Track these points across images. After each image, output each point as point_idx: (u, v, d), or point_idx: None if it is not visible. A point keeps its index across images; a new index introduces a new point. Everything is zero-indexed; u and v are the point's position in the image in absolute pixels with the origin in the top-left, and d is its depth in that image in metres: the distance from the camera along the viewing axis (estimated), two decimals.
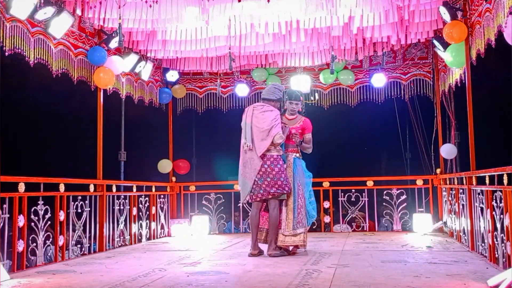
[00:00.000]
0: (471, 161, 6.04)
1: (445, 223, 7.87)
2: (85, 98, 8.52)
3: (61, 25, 6.03)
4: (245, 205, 8.49)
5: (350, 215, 8.59)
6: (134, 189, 7.71)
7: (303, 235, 5.86)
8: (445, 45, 6.80)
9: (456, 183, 6.79)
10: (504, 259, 4.63)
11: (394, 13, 6.58)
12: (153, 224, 8.13)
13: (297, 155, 6.03)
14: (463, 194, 6.29)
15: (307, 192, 6.06)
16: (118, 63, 7.25)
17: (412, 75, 8.68)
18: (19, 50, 5.62)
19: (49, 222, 5.77)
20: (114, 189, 7.15)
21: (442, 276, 4.35)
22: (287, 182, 5.78)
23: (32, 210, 5.55)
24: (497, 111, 9.34)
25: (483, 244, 5.38)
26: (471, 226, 5.86)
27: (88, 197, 6.55)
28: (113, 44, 6.95)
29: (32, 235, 5.52)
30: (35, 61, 5.94)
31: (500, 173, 4.63)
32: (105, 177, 6.98)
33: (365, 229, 8.57)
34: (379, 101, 8.82)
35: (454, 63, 6.68)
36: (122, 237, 7.35)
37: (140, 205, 7.83)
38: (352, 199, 8.52)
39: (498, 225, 4.77)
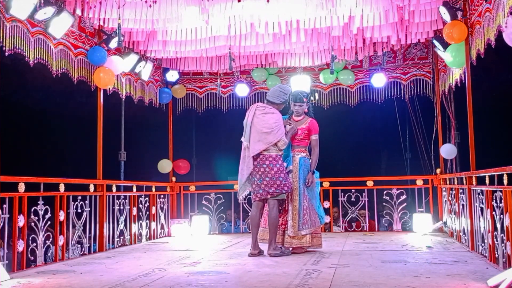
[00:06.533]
0: (471, 161, 6.04)
1: (445, 223, 7.87)
2: (85, 98, 8.52)
3: (61, 25, 6.03)
4: (245, 205, 8.50)
5: (350, 215, 8.60)
6: (134, 189, 7.71)
7: (308, 236, 5.88)
8: (445, 45, 6.80)
9: (456, 183, 6.79)
10: (504, 259, 4.63)
11: (394, 13, 6.58)
12: (153, 224, 8.12)
13: (304, 155, 6.03)
14: (463, 194, 6.29)
15: (317, 192, 6.12)
16: (118, 63, 7.25)
17: (412, 75, 8.68)
18: (19, 50, 5.61)
19: (49, 222, 5.77)
20: (114, 189, 7.14)
21: (442, 276, 4.35)
22: (286, 182, 5.78)
23: (32, 210, 5.54)
24: (497, 111, 9.34)
25: (483, 244, 5.38)
26: (471, 226, 5.86)
27: (88, 197, 6.55)
28: (113, 44, 6.95)
29: (32, 235, 5.52)
30: (35, 61, 5.94)
31: (500, 173, 4.63)
32: (105, 177, 6.97)
33: (365, 229, 8.57)
34: (379, 101, 8.82)
35: (454, 63, 6.68)
36: (122, 237, 7.35)
37: (140, 205, 7.83)
38: (352, 199, 8.52)
39: (498, 225, 4.77)
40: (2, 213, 4.96)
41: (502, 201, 4.62)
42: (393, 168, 10.59)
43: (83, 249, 6.41)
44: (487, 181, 5.12)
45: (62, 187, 6.01)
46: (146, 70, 8.10)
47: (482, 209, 5.34)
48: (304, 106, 6.08)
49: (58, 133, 10.98)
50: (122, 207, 7.33)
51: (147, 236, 7.96)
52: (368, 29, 7.02)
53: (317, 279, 4.34)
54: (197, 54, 7.97)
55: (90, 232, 6.55)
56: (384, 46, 7.94)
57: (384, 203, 8.60)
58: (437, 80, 8.42)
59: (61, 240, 5.92)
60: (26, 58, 5.80)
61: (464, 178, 6.11)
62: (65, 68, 6.46)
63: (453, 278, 4.22)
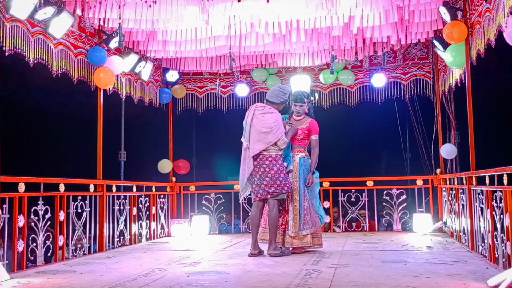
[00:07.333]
0: (471, 161, 6.04)
1: (445, 223, 7.87)
2: (85, 98, 8.54)
3: (61, 25, 6.03)
4: (245, 205, 8.50)
5: (350, 215, 8.60)
6: (134, 189, 7.71)
7: (309, 236, 5.88)
8: (445, 45, 6.80)
9: (456, 183, 6.79)
10: (504, 259, 4.63)
11: (394, 13, 6.58)
12: (153, 224, 8.12)
13: (303, 155, 6.03)
14: (463, 194, 6.29)
15: (317, 192, 6.12)
16: (118, 63, 7.25)
17: (412, 75, 8.68)
18: (19, 50, 5.61)
19: (49, 222, 5.77)
20: (114, 189, 7.14)
21: (442, 276, 4.35)
22: (286, 182, 5.78)
23: (32, 210, 5.54)
24: (497, 111, 9.35)
25: (483, 244, 5.38)
26: (471, 226, 5.86)
27: (88, 197, 6.54)
28: (113, 44, 6.95)
29: (32, 235, 5.52)
30: (35, 61, 5.94)
31: (500, 173, 4.63)
32: (105, 177, 6.97)
33: (365, 229, 8.57)
34: (379, 101, 8.82)
35: (454, 63, 6.68)
36: (122, 237, 7.35)
37: (140, 205, 7.83)
38: (352, 199, 8.52)
39: (498, 225, 4.77)
40: (2, 213, 4.96)
41: (502, 201, 4.62)
42: (393, 168, 10.61)
43: (83, 249, 6.41)
44: (487, 181, 5.12)
45: (62, 187, 6.01)
46: (146, 70, 8.10)
47: (482, 209, 5.34)
48: (305, 107, 6.09)
49: (58, 133, 10.99)
50: (122, 207, 7.32)
51: (147, 236, 7.96)
52: (368, 29, 7.02)
53: (317, 279, 4.34)
54: (197, 54, 7.97)
55: (90, 232, 6.55)
56: (384, 46, 7.94)
57: (384, 203, 8.60)
58: (437, 80, 8.41)
59: (61, 240, 5.92)
60: (26, 58, 5.80)
61: (464, 178, 6.11)
62: (65, 68, 6.46)
63: (453, 278, 4.22)
